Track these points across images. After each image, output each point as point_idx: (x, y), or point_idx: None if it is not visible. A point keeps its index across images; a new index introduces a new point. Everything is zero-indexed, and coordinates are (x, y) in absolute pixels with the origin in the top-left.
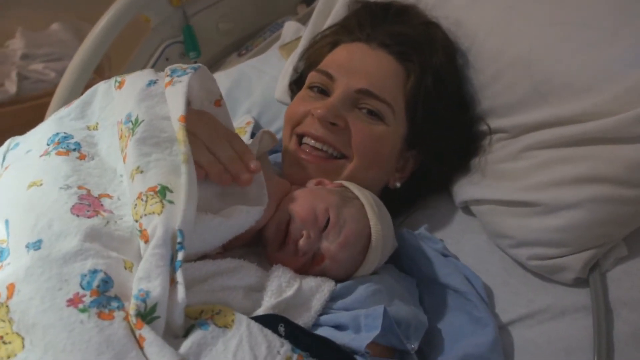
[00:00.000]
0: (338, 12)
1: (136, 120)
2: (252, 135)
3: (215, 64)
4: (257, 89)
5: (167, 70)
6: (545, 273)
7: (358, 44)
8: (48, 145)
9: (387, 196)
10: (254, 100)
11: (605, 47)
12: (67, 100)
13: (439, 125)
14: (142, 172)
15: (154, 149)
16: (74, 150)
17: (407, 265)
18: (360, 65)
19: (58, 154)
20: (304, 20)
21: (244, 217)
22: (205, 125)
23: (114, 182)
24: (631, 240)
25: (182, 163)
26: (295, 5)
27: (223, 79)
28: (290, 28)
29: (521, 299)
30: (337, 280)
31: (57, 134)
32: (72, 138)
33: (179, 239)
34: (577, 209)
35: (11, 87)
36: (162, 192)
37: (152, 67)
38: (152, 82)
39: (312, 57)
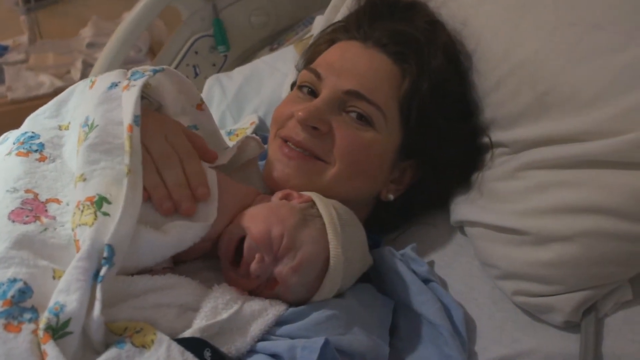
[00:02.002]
0: (348, 8)
1: (92, 124)
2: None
3: (246, 59)
4: (268, 87)
5: (129, 72)
6: (532, 311)
7: (353, 42)
8: (14, 144)
9: (381, 209)
10: (262, 98)
11: (617, 52)
12: None
13: (437, 135)
14: (85, 180)
15: (104, 156)
16: (35, 151)
17: (388, 287)
18: (352, 64)
19: (18, 154)
20: None
21: (184, 233)
22: (160, 139)
23: (69, 187)
24: (639, 283)
25: (125, 175)
26: None
27: (237, 74)
28: (320, 22)
29: (505, 337)
30: (293, 305)
31: (25, 133)
32: (38, 138)
33: (105, 254)
34: (569, 242)
35: (76, 75)
36: (99, 202)
37: (182, 60)
38: (114, 85)
39: (310, 56)
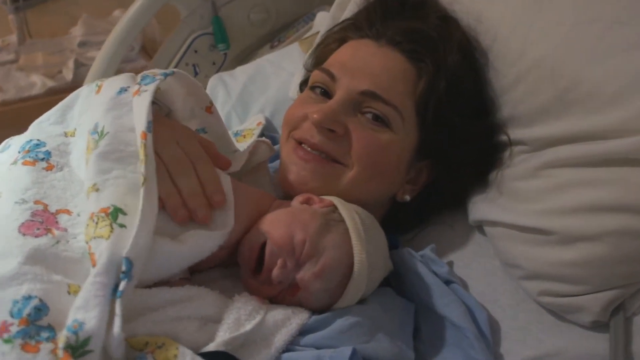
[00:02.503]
0: (355, 5)
1: (102, 131)
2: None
3: (246, 57)
4: (273, 86)
5: (139, 76)
6: (558, 312)
7: (365, 41)
8: (19, 152)
9: (397, 209)
10: (268, 97)
11: None
12: None
13: (453, 134)
14: (97, 190)
15: (116, 165)
16: (42, 160)
17: (408, 289)
18: (366, 64)
19: (24, 163)
20: None
21: (202, 243)
22: (172, 145)
23: (79, 197)
24: None
25: (140, 185)
26: None
27: (241, 73)
28: (322, 19)
29: (530, 338)
30: (316, 312)
31: (30, 140)
32: (44, 146)
33: (123, 268)
34: (595, 241)
35: (68, 74)
36: (114, 214)
37: (181, 59)
38: (123, 90)
39: (319, 55)
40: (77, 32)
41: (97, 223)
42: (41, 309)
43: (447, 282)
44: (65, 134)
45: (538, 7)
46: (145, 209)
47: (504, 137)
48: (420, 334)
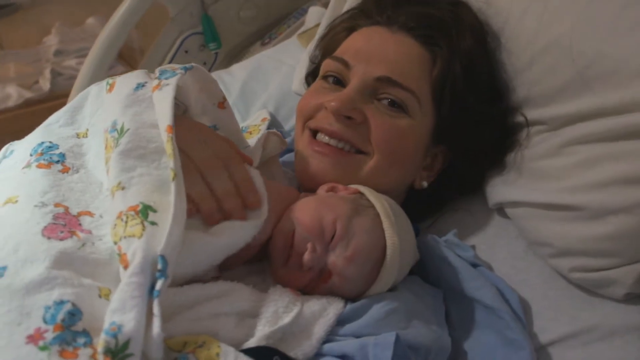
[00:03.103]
0: None
1: (121, 129)
2: None
3: (237, 55)
4: (275, 81)
5: (156, 71)
6: (590, 287)
7: (377, 28)
8: (31, 155)
9: (413, 197)
10: (270, 93)
11: None
12: None
13: (469, 117)
14: (123, 188)
15: (139, 162)
16: (57, 162)
17: (433, 275)
18: (380, 50)
19: (39, 166)
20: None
21: (236, 234)
22: (200, 145)
23: (98, 198)
24: None
25: (170, 180)
26: None
27: (239, 71)
28: (314, 14)
29: (563, 315)
30: (348, 299)
31: (42, 143)
32: (57, 148)
33: (159, 266)
34: (627, 214)
35: (45, 84)
36: (144, 212)
37: (171, 60)
38: (140, 86)
39: (328, 45)
40: (52, 41)
41: (126, 222)
42: (75, 314)
43: (474, 266)
44: (77, 135)
45: None
46: (177, 205)
47: (519, 119)
48: (451, 319)
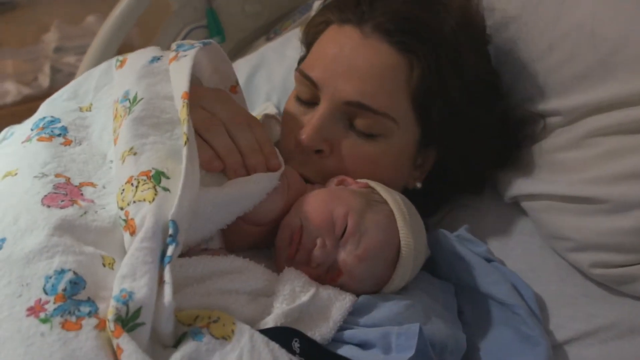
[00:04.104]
0: None
1: (134, 98)
2: None
3: (242, 50)
4: (278, 74)
5: (173, 45)
6: (611, 283)
7: (349, 29)
8: (32, 130)
9: (411, 196)
10: (274, 85)
11: None
12: None
13: (460, 121)
14: (135, 154)
15: (153, 131)
16: (59, 135)
17: (445, 271)
18: (350, 64)
19: (40, 139)
20: None
21: (246, 185)
22: (223, 104)
23: (102, 169)
24: None
25: (184, 144)
26: None
27: (242, 64)
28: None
29: (580, 312)
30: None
31: (44, 118)
32: (59, 122)
33: (170, 231)
34: None
35: (44, 81)
36: (157, 177)
37: None
38: (155, 59)
39: (308, 38)
40: (51, 38)
41: (137, 187)
42: (77, 282)
43: (487, 261)
44: (80, 109)
45: None
46: (188, 169)
47: (533, 109)
48: (464, 316)
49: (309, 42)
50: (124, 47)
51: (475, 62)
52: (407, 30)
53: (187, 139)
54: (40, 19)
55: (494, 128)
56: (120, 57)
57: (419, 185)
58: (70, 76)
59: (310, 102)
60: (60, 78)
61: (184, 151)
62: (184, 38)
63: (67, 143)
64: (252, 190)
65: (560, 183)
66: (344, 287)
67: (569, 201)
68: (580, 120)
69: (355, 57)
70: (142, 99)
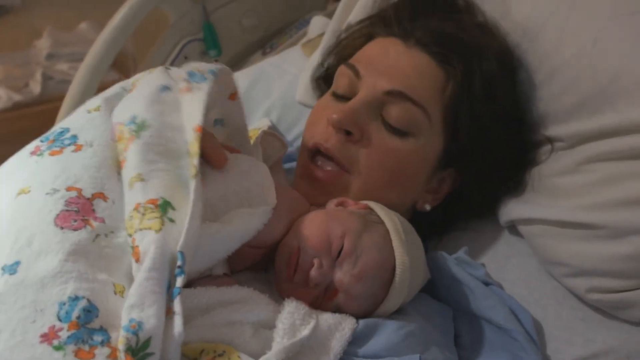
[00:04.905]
0: (364, 5)
1: (142, 123)
2: None
3: (238, 63)
4: (277, 90)
5: (184, 73)
6: (608, 309)
7: (393, 40)
8: (42, 142)
9: (417, 218)
10: (273, 101)
11: None
12: (80, 97)
13: (485, 144)
14: (143, 180)
15: (160, 158)
16: (69, 144)
17: (443, 294)
18: (393, 63)
19: (52, 154)
20: (333, 16)
21: (247, 221)
22: None
23: (113, 178)
24: None
25: (191, 178)
26: (324, 0)
27: (241, 78)
28: (317, 23)
29: (577, 337)
30: (359, 317)
31: (54, 131)
32: (68, 131)
33: (179, 263)
34: None
35: (35, 88)
36: (164, 207)
37: (171, 65)
38: (165, 88)
39: (343, 50)
40: (43, 44)
41: (143, 214)
42: (91, 310)
43: (485, 284)
44: (89, 111)
45: (570, 2)
46: (196, 202)
47: (535, 136)
48: (461, 340)
49: (344, 53)
50: (120, 56)
51: (507, 92)
52: (446, 46)
53: (197, 172)
54: (33, 24)
55: (513, 159)
56: (131, 86)
57: (427, 207)
58: (62, 83)
59: (347, 97)
60: (52, 85)
61: (193, 185)
62: (181, 50)
63: (79, 148)
64: (253, 225)
65: (557, 208)
66: (340, 306)
67: (566, 226)
68: (579, 146)
69: (399, 59)
70: (151, 125)
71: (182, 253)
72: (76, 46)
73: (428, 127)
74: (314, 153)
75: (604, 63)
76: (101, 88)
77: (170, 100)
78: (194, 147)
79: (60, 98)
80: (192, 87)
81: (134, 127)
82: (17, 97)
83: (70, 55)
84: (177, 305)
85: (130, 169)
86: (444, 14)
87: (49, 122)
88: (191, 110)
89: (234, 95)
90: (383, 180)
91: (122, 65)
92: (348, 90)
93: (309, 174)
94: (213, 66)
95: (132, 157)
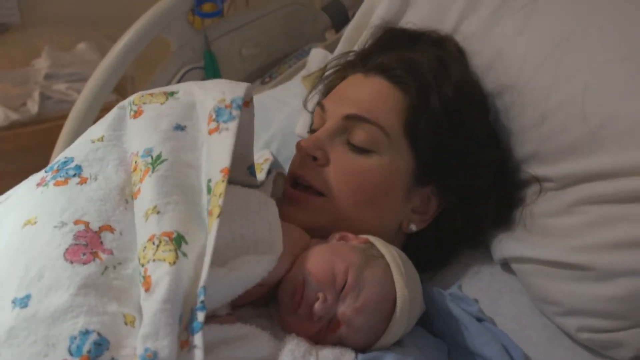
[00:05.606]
0: (365, 41)
1: (158, 157)
2: (269, 173)
3: None
4: (276, 122)
5: (212, 113)
6: (597, 348)
7: (357, 75)
8: (46, 172)
9: (413, 245)
10: (273, 133)
11: None
12: (82, 120)
13: (451, 158)
14: (158, 212)
15: (176, 190)
16: (74, 175)
17: (439, 328)
18: (352, 92)
19: (56, 184)
20: (331, 48)
21: (253, 268)
22: None
23: (119, 209)
24: None
25: (216, 217)
26: (323, 31)
27: None
28: (316, 56)
29: None
30: (357, 351)
31: (58, 160)
32: (72, 161)
33: (201, 297)
34: (638, 276)
35: (33, 107)
36: (178, 241)
37: None
38: (179, 127)
39: (324, 90)
40: (42, 64)
41: (158, 246)
42: (101, 344)
43: (478, 320)
44: (92, 141)
45: (566, 45)
46: (218, 241)
47: (525, 175)
48: None
49: (325, 93)
50: (122, 79)
51: (473, 115)
52: (401, 67)
53: (221, 212)
54: (32, 43)
55: (491, 174)
56: (135, 107)
57: (413, 227)
58: (60, 104)
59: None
60: (50, 105)
61: (215, 224)
62: (182, 77)
63: (83, 181)
64: (259, 272)
65: (549, 249)
66: (342, 339)
67: (558, 267)
68: (570, 187)
69: (357, 89)
70: (166, 159)
71: (204, 288)
72: (74, 66)
73: (388, 144)
74: (293, 181)
75: (595, 108)
76: (102, 109)
77: (186, 139)
78: (219, 187)
79: (58, 118)
80: (220, 127)
81: (150, 160)
82: (14, 116)
83: (69, 76)
84: (197, 340)
85: (146, 201)
86: (409, 44)
87: (46, 141)
88: (219, 151)
89: (248, 103)
90: (353, 198)
91: (119, 87)
92: (320, 125)
93: (289, 197)
94: (238, 92)
95: (147, 189)
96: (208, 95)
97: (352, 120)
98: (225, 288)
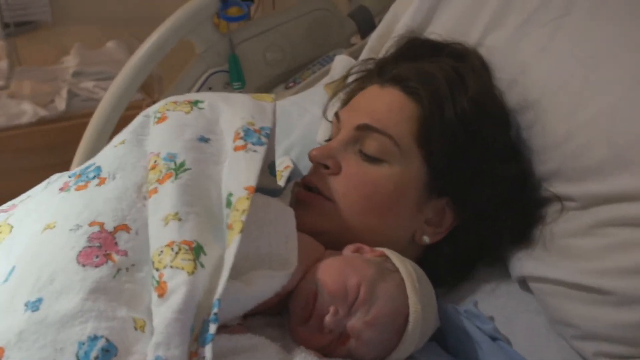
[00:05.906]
0: (387, 50)
1: (182, 164)
2: (289, 180)
3: None
4: (298, 129)
5: (240, 131)
6: None
7: (373, 86)
8: (69, 177)
9: (431, 260)
10: (293, 140)
11: None
12: (107, 118)
13: (468, 172)
14: (180, 220)
15: (197, 201)
16: (94, 178)
17: (452, 345)
18: (367, 103)
19: (77, 189)
20: (356, 54)
21: (267, 283)
22: None
23: (135, 206)
24: None
25: (237, 232)
26: (349, 37)
27: None
28: (340, 63)
29: None
30: None
31: (82, 166)
32: (93, 165)
33: (215, 310)
34: None
35: (60, 104)
36: (197, 251)
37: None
38: (203, 139)
39: (346, 99)
40: (71, 61)
41: (177, 253)
42: (109, 350)
43: (492, 339)
44: (115, 146)
45: (591, 64)
46: (237, 255)
47: (546, 193)
48: None
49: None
50: (149, 78)
51: (490, 125)
52: (416, 78)
53: (243, 227)
54: (62, 41)
55: (508, 188)
56: (159, 114)
57: (426, 239)
58: (87, 101)
59: None
60: (77, 103)
61: (237, 239)
62: (206, 80)
63: (102, 182)
64: (274, 287)
65: (568, 270)
66: (351, 352)
67: (577, 289)
68: (592, 207)
69: (371, 99)
70: (190, 168)
71: (219, 300)
72: (102, 65)
73: (398, 153)
74: (305, 188)
75: (621, 128)
76: (127, 107)
77: (209, 151)
78: (243, 204)
79: (84, 115)
80: (247, 147)
81: (173, 165)
82: (42, 113)
83: (96, 74)
84: (207, 351)
85: (166, 206)
86: (427, 56)
87: (72, 138)
88: (245, 170)
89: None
90: (360, 206)
91: (147, 86)
92: (335, 134)
93: (299, 198)
94: (267, 122)
95: (169, 194)
96: (236, 114)
97: (363, 130)
98: (239, 301)
